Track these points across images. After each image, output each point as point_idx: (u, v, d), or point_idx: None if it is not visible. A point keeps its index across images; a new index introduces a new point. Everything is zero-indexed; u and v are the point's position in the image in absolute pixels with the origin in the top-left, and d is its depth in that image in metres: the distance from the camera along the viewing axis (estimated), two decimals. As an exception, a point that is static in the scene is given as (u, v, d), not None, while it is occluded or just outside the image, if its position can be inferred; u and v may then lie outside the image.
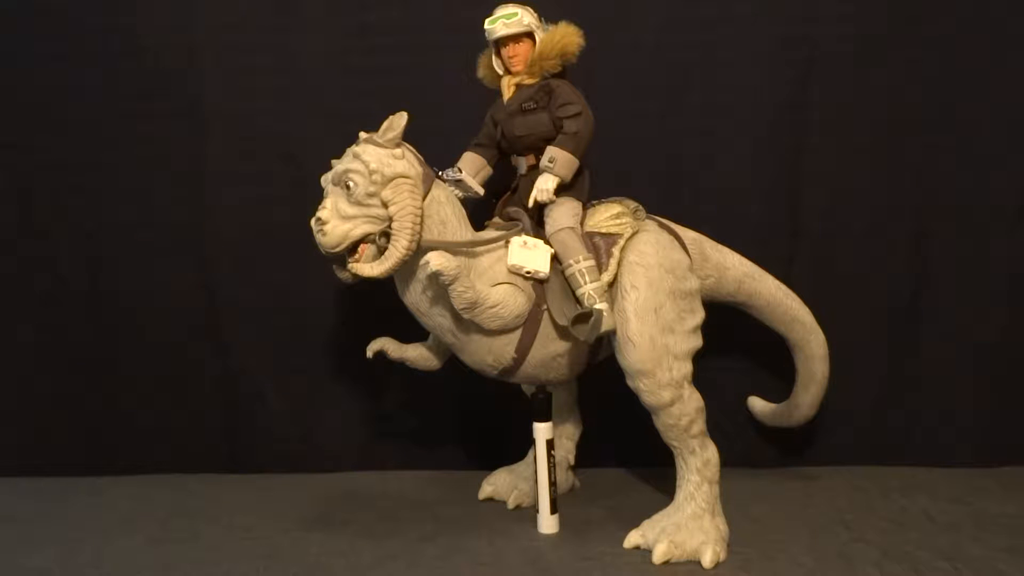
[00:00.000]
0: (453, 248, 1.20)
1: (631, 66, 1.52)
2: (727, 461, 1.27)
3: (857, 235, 1.54)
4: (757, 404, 1.55)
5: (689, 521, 1.20)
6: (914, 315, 1.55)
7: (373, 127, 1.22)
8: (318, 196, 1.22)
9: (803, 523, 1.31)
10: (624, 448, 1.58)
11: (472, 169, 1.33)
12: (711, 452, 1.23)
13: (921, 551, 1.19)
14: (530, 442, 1.33)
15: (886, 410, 1.56)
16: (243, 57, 1.55)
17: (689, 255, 1.31)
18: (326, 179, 1.23)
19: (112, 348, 1.63)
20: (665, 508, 1.24)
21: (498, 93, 1.32)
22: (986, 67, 1.49)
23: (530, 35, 1.27)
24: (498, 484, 1.45)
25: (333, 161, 1.23)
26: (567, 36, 1.26)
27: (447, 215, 1.22)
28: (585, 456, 1.49)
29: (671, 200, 1.49)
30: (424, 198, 1.20)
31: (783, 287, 1.42)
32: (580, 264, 1.22)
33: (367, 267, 1.19)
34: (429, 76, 1.53)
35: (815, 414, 1.47)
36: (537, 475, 1.31)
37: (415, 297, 1.24)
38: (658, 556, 1.17)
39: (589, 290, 1.21)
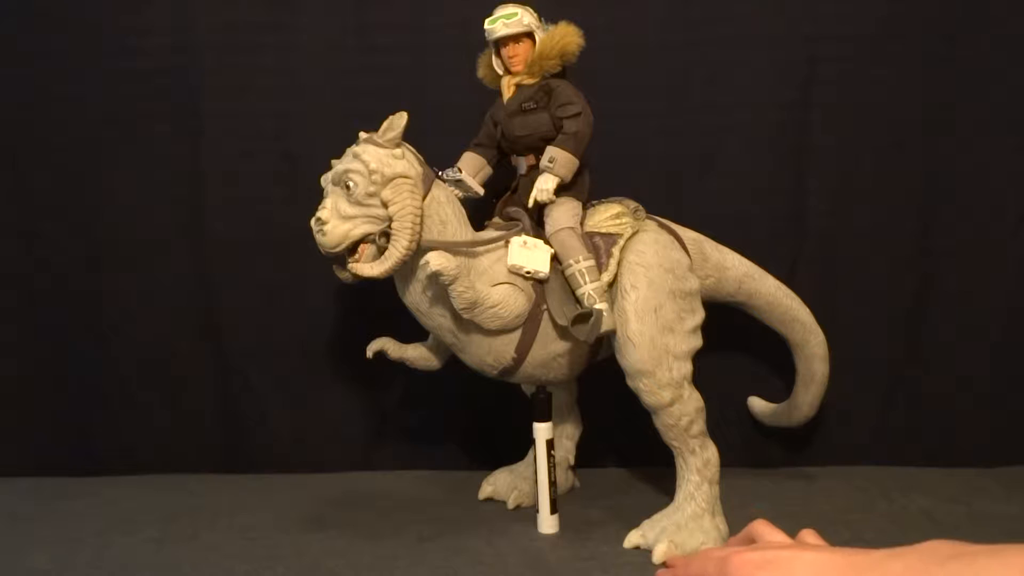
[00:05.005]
0: (453, 248, 1.20)
1: (631, 66, 1.52)
2: (727, 461, 1.27)
3: (859, 235, 1.53)
4: (757, 404, 1.55)
5: (689, 521, 1.20)
6: (915, 315, 1.55)
7: (373, 127, 1.22)
8: (318, 196, 1.22)
9: (803, 523, 1.31)
10: (624, 448, 1.58)
11: (472, 169, 1.33)
12: (711, 452, 1.23)
13: (921, 551, 1.18)
14: (530, 442, 1.33)
15: (886, 410, 1.56)
16: (243, 57, 1.55)
17: (689, 255, 1.31)
18: (326, 179, 1.23)
19: (111, 348, 1.63)
20: (665, 508, 1.24)
21: (498, 93, 1.32)
22: (986, 67, 1.49)
23: (530, 35, 1.27)
24: (498, 484, 1.45)
25: (333, 161, 1.23)
26: (567, 36, 1.26)
27: (447, 215, 1.22)
28: (585, 456, 1.49)
29: (671, 200, 1.49)
30: (424, 198, 1.20)
31: (783, 287, 1.42)
32: (580, 264, 1.22)
33: (367, 267, 1.19)
34: (429, 76, 1.53)
35: (815, 414, 1.48)
36: (537, 475, 1.31)
37: (415, 297, 1.24)
38: (658, 556, 1.17)
39: (589, 290, 1.21)
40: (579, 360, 1.31)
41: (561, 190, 1.26)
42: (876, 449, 1.56)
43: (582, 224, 1.28)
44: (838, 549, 0.55)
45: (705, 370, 1.28)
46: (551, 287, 1.24)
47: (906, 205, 1.53)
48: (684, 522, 1.20)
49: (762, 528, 0.62)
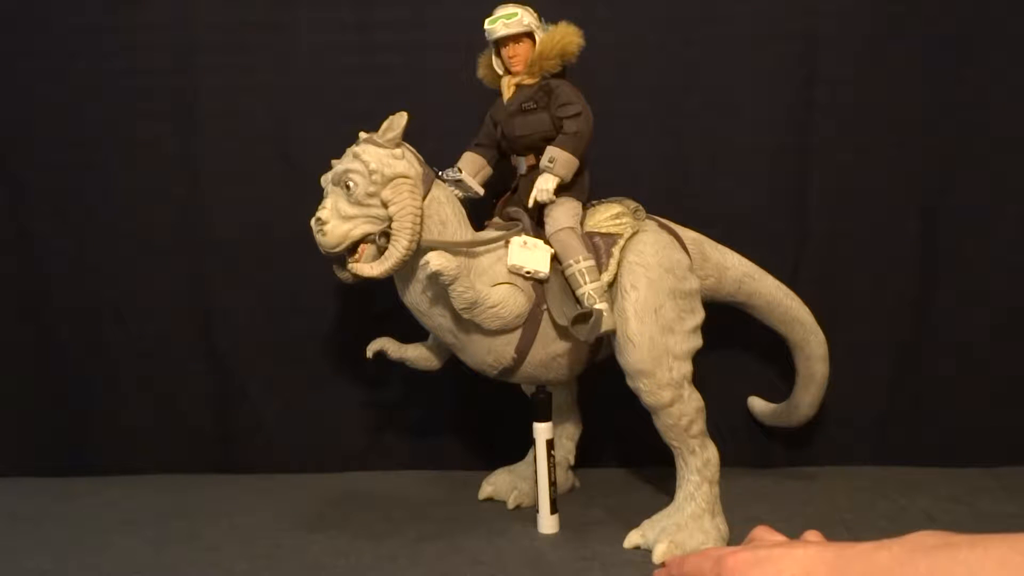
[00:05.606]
0: (453, 248, 1.20)
1: (631, 66, 1.52)
2: (727, 461, 1.27)
3: (859, 235, 1.53)
4: (757, 404, 1.55)
5: (689, 521, 1.20)
6: (916, 315, 1.55)
7: (373, 127, 1.22)
8: (318, 196, 1.22)
9: (803, 523, 1.30)
10: (624, 448, 1.58)
11: (472, 169, 1.33)
12: (711, 452, 1.23)
13: (921, 551, 1.18)
14: (530, 442, 1.33)
15: (886, 410, 1.56)
16: (243, 57, 1.55)
17: (689, 255, 1.31)
18: (326, 179, 1.23)
19: (110, 349, 1.63)
20: (665, 508, 1.24)
21: (498, 93, 1.32)
22: (986, 67, 1.49)
23: (530, 35, 1.27)
24: (498, 484, 1.45)
25: (333, 161, 1.23)
26: (567, 36, 1.26)
27: (447, 215, 1.22)
28: (585, 456, 1.49)
29: (671, 200, 1.49)
30: (424, 198, 1.20)
31: (783, 287, 1.42)
32: (580, 264, 1.22)
33: (367, 267, 1.19)
34: (429, 76, 1.53)
35: (815, 414, 1.48)
36: (537, 475, 1.31)
37: (415, 297, 1.24)
38: (658, 556, 1.17)
39: (589, 290, 1.21)
40: (579, 360, 1.31)
41: (561, 190, 1.26)
42: (876, 449, 1.56)
43: (582, 224, 1.28)
44: (828, 544, 0.56)
45: (705, 370, 1.28)
46: (551, 287, 1.24)
47: (906, 205, 1.52)
48: (684, 522, 1.20)
49: (761, 532, 0.63)
